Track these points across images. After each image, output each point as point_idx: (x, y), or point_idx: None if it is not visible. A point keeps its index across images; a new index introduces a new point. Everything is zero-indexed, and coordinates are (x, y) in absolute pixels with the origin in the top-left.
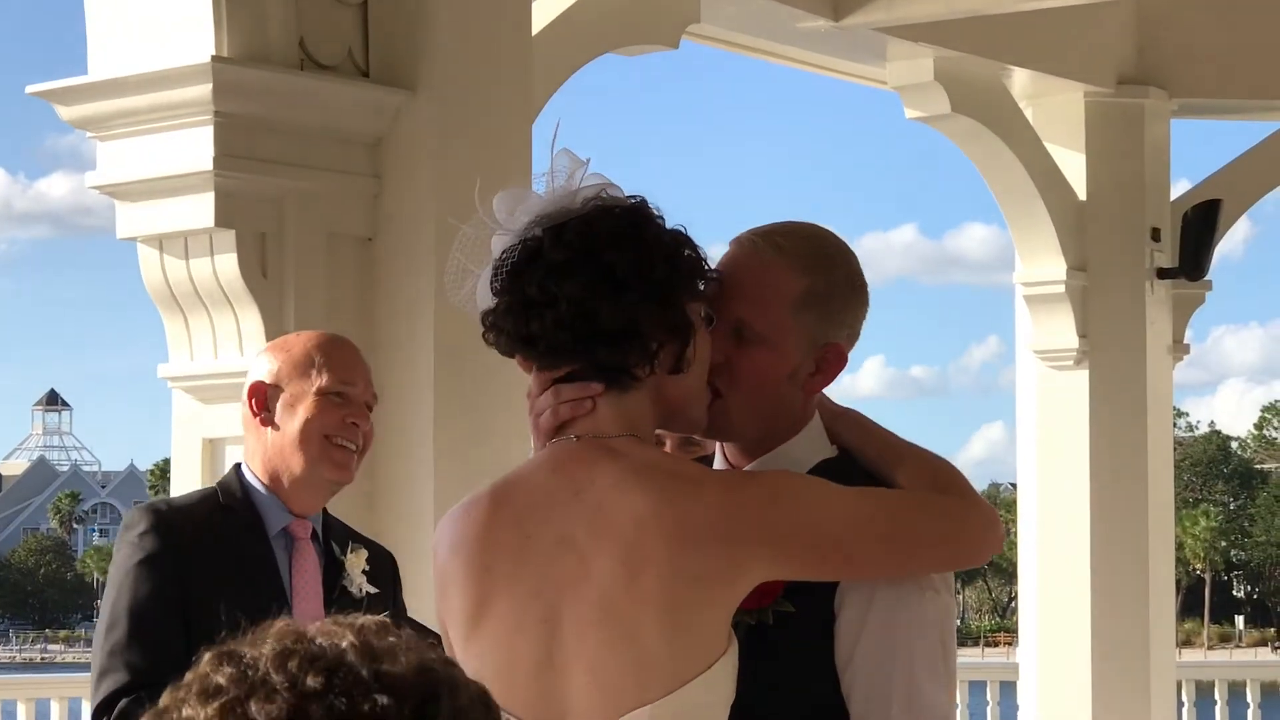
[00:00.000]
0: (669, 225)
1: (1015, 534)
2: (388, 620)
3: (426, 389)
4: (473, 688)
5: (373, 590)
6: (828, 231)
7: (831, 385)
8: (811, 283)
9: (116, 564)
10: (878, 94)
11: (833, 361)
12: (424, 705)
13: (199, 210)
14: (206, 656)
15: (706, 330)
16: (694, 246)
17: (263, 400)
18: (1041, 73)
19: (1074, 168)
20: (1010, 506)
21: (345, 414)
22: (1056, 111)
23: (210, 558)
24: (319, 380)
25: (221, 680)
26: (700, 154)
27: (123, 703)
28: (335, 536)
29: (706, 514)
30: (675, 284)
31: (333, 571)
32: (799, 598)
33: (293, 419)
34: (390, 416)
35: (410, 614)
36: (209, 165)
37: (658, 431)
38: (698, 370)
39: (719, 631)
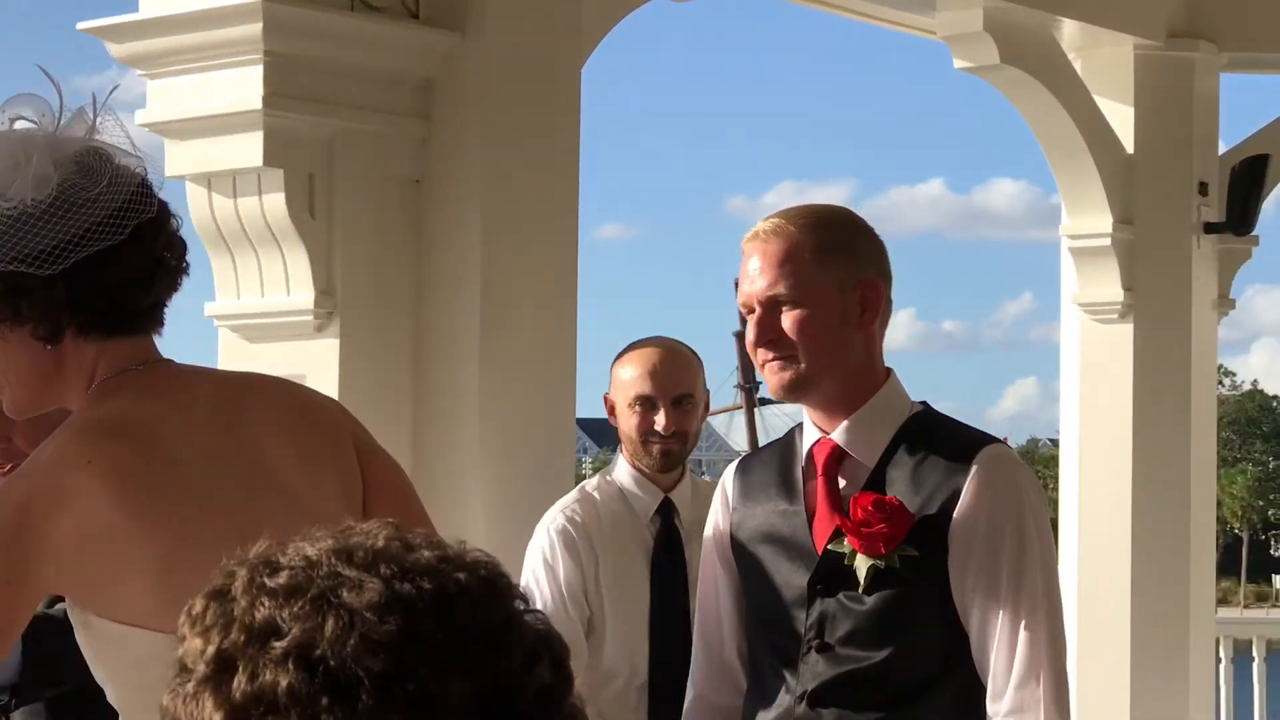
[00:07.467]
0: None
1: (1056, 489)
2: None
3: (473, 331)
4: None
5: None
6: (820, 204)
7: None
8: (819, 237)
9: None
10: (914, 44)
11: (871, 295)
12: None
13: (248, 149)
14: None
15: None
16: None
17: None
18: (1091, 24)
19: (1122, 121)
20: (1049, 462)
21: None
22: (1105, 64)
23: None
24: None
25: (282, 579)
26: (743, 103)
27: None
28: None
29: None
30: None
31: None
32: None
33: None
34: (436, 358)
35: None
36: (258, 104)
37: None
38: None
39: None
